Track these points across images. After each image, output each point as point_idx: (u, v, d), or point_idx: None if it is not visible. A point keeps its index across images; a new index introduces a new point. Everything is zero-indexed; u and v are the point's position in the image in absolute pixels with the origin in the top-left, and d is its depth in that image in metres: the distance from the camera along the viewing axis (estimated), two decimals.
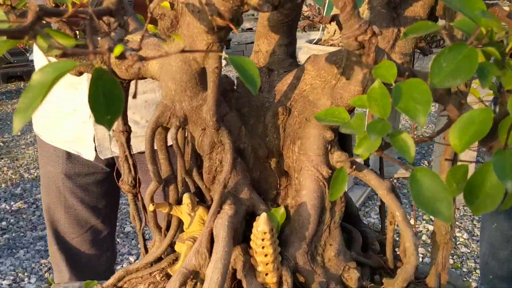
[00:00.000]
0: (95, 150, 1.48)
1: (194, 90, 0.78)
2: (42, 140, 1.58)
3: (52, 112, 1.51)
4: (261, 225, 0.77)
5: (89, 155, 1.49)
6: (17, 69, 6.96)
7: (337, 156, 0.84)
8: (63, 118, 1.49)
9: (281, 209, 0.86)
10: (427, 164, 4.20)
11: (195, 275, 0.87)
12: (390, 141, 0.53)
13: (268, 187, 0.90)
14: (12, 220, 3.47)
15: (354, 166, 0.84)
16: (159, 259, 0.94)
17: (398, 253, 0.95)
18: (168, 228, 0.94)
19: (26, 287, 2.73)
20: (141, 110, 1.44)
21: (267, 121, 0.87)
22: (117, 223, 1.86)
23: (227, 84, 0.86)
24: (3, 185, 4.00)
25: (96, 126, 1.45)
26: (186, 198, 0.86)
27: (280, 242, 0.85)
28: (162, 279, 0.89)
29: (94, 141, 1.47)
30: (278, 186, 0.90)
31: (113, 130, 0.97)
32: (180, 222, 0.94)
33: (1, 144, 4.89)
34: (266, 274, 0.80)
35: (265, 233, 0.77)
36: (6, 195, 3.84)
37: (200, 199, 0.90)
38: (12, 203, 3.71)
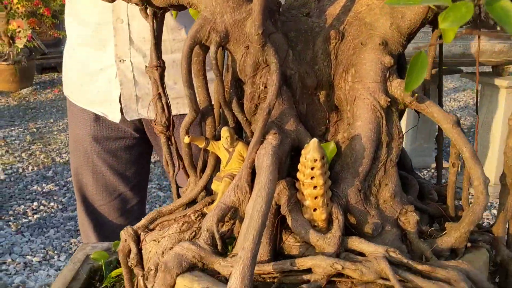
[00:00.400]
0: (121, 112, 1.43)
1: (238, 1, 0.70)
2: (71, 102, 1.54)
3: (80, 71, 1.46)
4: (310, 151, 0.68)
5: (115, 117, 1.44)
6: (51, 60, 7.04)
7: (396, 84, 0.75)
8: (91, 77, 1.44)
9: (331, 144, 0.77)
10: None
11: (234, 213, 0.79)
12: (488, 9, 0.44)
13: (316, 123, 0.81)
14: (43, 201, 3.47)
15: (415, 95, 0.74)
16: (194, 202, 0.86)
17: (460, 203, 0.86)
18: (204, 168, 0.87)
19: (56, 264, 2.70)
20: (169, 70, 1.37)
21: (316, 47, 0.79)
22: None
23: (273, 3, 0.77)
24: (35, 168, 4.02)
25: (122, 85, 1.39)
26: (225, 131, 0.78)
27: (330, 178, 0.76)
28: (198, 219, 0.81)
29: (120, 102, 1.41)
30: (327, 122, 0.81)
31: (146, 66, 0.90)
32: (218, 162, 0.86)
33: (34, 130, 4.93)
34: (314, 210, 0.72)
35: (315, 160, 0.68)
36: (38, 178, 3.85)
37: (239, 135, 0.82)
38: (44, 185, 3.72)
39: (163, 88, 0.89)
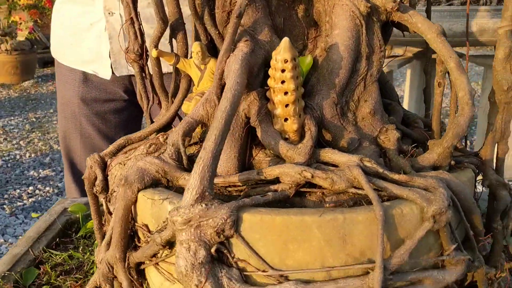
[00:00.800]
0: (112, 69, 1.40)
1: None
2: (59, 63, 1.51)
3: (69, 30, 1.43)
4: (281, 51, 0.64)
5: (106, 74, 1.41)
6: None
7: None
8: (80, 35, 1.41)
9: (308, 58, 0.73)
10: (470, 144, 3.97)
11: (204, 134, 0.75)
12: None
13: (294, 40, 0.76)
14: (39, 186, 3.44)
15: (397, 1, 0.69)
16: (166, 129, 0.82)
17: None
18: (176, 92, 0.82)
19: None
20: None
21: None
22: None
23: None
24: (33, 155, 3.99)
25: (111, 39, 1.36)
26: (196, 46, 0.73)
27: (305, 93, 0.71)
28: (166, 141, 0.76)
29: (110, 57, 1.38)
30: (306, 38, 0.76)
31: None
32: (190, 85, 0.81)
33: (34, 120, 4.91)
34: (286, 120, 0.67)
35: (285, 61, 0.63)
36: (35, 164, 3.82)
37: (213, 54, 0.78)
38: (40, 170, 3.69)
39: (136, 13, 0.84)
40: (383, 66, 0.77)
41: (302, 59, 0.73)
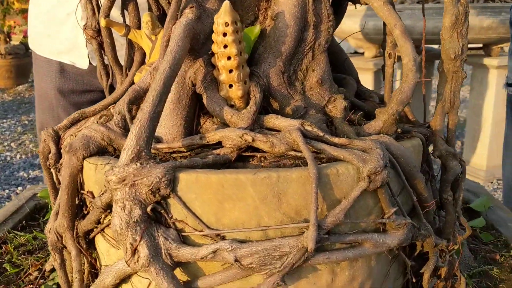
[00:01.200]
0: (89, 58, 1.40)
1: None
2: (36, 55, 1.51)
3: (47, 21, 1.43)
4: (221, 14, 0.64)
5: (83, 63, 1.41)
6: None
7: None
8: (57, 25, 1.42)
9: (256, 27, 0.73)
10: (460, 145, 3.97)
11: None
12: None
13: (244, 11, 0.76)
14: (28, 186, 3.43)
15: None
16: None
17: None
18: (130, 66, 0.83)
19: None
20: None
21: None
22: None
23: None
24: (23, 156, 3.99)
25: None
26: (146, 16, 0.74)
27: (252, 62, 0.72)
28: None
29: (87, 47, 1.39)
30: (257, 9, 0.77)
31: None
32: (144, 58, 0.82)
33: (26, 122, 4.92)
34: (230, 86, 0.67)
35: (226, 24, 0.64)
36: (25, 165, 3.82)
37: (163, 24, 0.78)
38: (30, 171, 3.69)
39: None
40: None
41: (250, 29, 0.73)
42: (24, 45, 6.28)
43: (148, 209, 0.57)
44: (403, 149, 0.65)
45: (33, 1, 1.48)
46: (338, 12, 0.85)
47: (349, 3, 0.85)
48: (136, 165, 0.57)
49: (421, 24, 2.65)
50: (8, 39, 6.00)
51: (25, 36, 6.09)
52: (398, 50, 0.71)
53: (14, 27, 5.87)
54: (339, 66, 0.90)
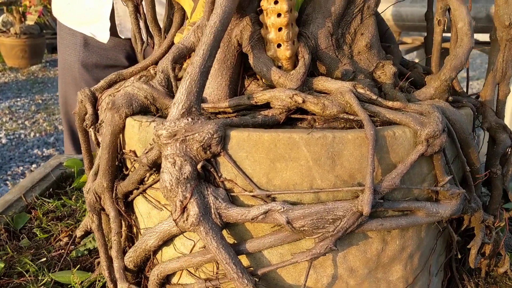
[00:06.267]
0: (111, 33, 1.37)
1: None
2: (61, 25, 1.48)
3: None
4: None
5: (104, 37, 1.38)
6: None
7: None
8: None
9: None
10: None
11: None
12: None
13: None
14: (42, 164, 3.43)
15: None
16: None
17: None
18: (169, 28, 0.80)
19: None
20: None
21: None
22: None
23: None
24: (37, 135, 4.00)
25: (116, 1, 1.34)
26: None
27: (300, 22, 0.69)
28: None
29: (112, 20, 1.36)
30: None
31: None
32: (184, 19, 0.80)
33: (40, 101, 4.92)
34: (279, 46, 0.65)
35: None
36: (39, 143, 3.82)
37: None
38: (44, 149, 3.69)
39: None
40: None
41: None
42: (39, 25, 6.28)
43: (199, 166, 0.55)
44: (459, 115, 0.62)
45: None
46: None
47: None
48: (188, 119, 0.55)
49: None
50: (23, 19, 5.99)
51: (40, 16, 6.09)
52: (452, 14, 0.68)
53: (30, 7, 5.86)
54: (381, 36, 0.88)
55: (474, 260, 0.72)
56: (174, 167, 0.54)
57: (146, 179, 0.64)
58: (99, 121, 0.74)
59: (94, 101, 0.78)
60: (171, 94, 0.67)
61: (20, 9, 5.96)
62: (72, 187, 1.11)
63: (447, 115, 0.61)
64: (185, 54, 0.68)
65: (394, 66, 0.70)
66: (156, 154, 0.59)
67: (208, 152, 0.55)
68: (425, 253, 0.66)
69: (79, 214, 0.98)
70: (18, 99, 4.96)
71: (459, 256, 0.73)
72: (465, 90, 0.81)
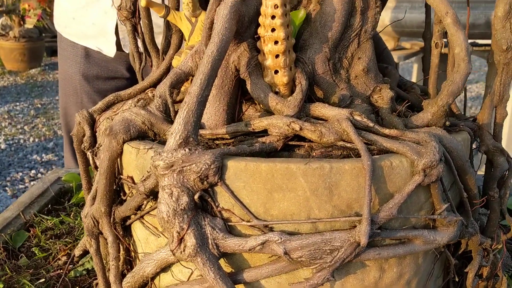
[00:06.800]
0: (116, 46, 1.37)
1: None
2: (62, 37, 1.48)
3: (74, 3, 1.40)
4: None
5: (110, 51, 1.38)
6: None
7: None
8: (85, 8, 1.38)
9: (301, 11, 0.71)
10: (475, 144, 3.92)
11: None
12: None
13: None
14: (41, 170, 3.44)
15: None
16: (157, 85, 0.80)
17: None
18: (167, 49, 0.81)
19: None
20: None
21: None
22: None
23: None
24: (36, 140, 4.00)
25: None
26: None
27: (297, 48, 0.69)
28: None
29: (116, 34, 1.36)
30: None
31: None
32: (181, 41, 0.80)
33: (39, 106, 4.92)
34: (276, 72, 0.65)
35: (275, 6, 0.61)
36: (38, 148, 3.83)
37: (204, 7, 0.76)
38: (43, 155, 3.69)
39: None
40: None
41: (295, 13, 0.71)
42: (38, 28, 6.28)
43: (196, 196, 0.55)
44: (456, 143, 0.62)
45: None
46: None
47: None
48: (185, 150, 0.55)
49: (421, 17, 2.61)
50: (22, 22, 6.00)
51: (39, 20, 6.09)
52: (449, 39, 0.68)
53: (29, 10, 5.86)
54: (378, 56, 0.88)
55: (472, 283, 0.72)
56: (171, 198, 0.55)
57: (143, 206, 0.64)
58: (97, 145, 0.74)
59: (92, 123, 0.78)
60: (168, 119, 0.67)
61: (19, 12, 5.97)
62: (70, 202, 1.11)
63: (444, 143, 0.61)
64: (183, 79, 0.68)
65: (391, 90, 0.70)
66: (153, 183, 0.59)
67: (205, 182, 0.55)
68: (423, 278, 0.66)
69: (78, 231, 0.98)
70: (17, 103, 4.96)
71: (457, 279, 0.73)
72: (463, 103, 0.81)
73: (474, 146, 0.75)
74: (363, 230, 0.54)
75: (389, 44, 3.08)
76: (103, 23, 1.35)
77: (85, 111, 0.78)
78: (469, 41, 0.72)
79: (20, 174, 3.37)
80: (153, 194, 0.61)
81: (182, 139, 0.56)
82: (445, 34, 0.71)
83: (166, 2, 0.76)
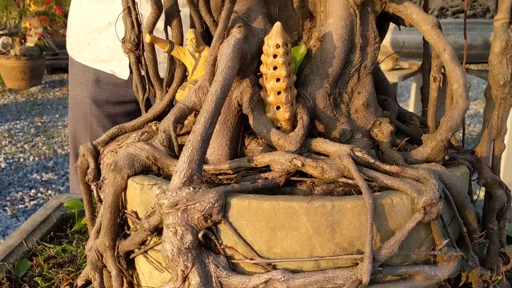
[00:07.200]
0: (130, 69, 1.38)
1: None
2: (74, 61, 1.49)
3: (88, 28, 1.42)
4: (273, 36, 0.63)
5: (124, 74, 1.39)
6: (61, 61, 7.07)
7: None
8: (98, 33, 1.40)
9: (302, 47, 0.72)
10: None
11: None
12: None
13: (288, 30, 0.76)
14: (41, 189, 3.44)
15: None
16: (160, 119, 0.81)
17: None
18: (171, 82, 0.82)
19: None
20: None
21: None
22: None
23: None
24: (36, 158, 4.00)
25: None
26: (190, 33, 0.73)
27: (298, 83, 0.71)
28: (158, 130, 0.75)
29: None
30: (301, 29, 0.76)
31: None
32: (185, 75, 0.81)
33: (39, 124, 4.93)
34: (278, 108, 0.66)
35: (277, 46, 0.63)
36: (38, 167, 3.83)
37: (207, 42, 0.77)
38: (43, 174, 3.69)
39: (134, 2, 0.85)
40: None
41: (296, 49, 0.72)
42: (39, 47, 6.32)
43: (200, 235, 0.56)
44: (455, 179, 0.63)
45: (74, 7, 1.46)
46: (380, 33, 0.84)
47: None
48: (189, 189, 0.56)
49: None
50: (23, 41, 6.04)
51: (40, 38, 6.14)
52: (447, 75, 0.69)
53: (30, 29, 5.91)
54: (377, 87, 0.89)
55: None
56: (176, 237, 0.55)
57: (147, 241, 0.65)
58: (101, 178, 0.75)
59: (96, 155, 0.79)
60: (172, 153, 0.68)
61: (22, 34, 6.01)
62: (73, 230, 1.12)
63: (444, 179, 0.62)
64: (186, 114, 0.70)
65: (391, 124, 0.71)
66: (158, 220, 0.60)
67: (209, 220, 0.56)
68: None
69: (80, 260, 0.99)
70: (18, 122, 4.98)
71: None
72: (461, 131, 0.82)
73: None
74: (365, 268, 0.55)
75: (388, 64, 3.10)
76: (117, 47, 1.36)
77: (89, 143, 0.79)
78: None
79: (20, 193, 3.37)
80: (157, 230, 0.62)
81: (187, 177, 0.57)
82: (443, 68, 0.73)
83: (170, 38, 0.77)
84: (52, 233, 1.09)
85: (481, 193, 0.80)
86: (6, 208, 3.14)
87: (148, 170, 0.68)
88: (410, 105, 3.92)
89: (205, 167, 0.65)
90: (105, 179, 0.75)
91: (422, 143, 0.72)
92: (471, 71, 3.22)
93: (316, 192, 0.61)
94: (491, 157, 0.75)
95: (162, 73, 0.83)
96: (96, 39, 1.40)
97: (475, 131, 4.80)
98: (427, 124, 0.78)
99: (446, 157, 0.69)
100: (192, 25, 0.77)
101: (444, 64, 0.68)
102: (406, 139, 0.71)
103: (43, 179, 3.61)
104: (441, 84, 0.76)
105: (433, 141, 0.68)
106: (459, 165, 0.70)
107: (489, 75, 0.72)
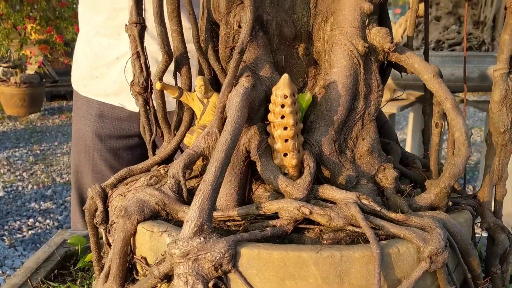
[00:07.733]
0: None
1: None
2: (78, 95, 1.50)
3: (95, 63, 1.43)
4: (281, 86, 0.65)
5: (133, 106, 1.41)
6: (61, 88, 7.13)
7: (375, 31, 0.72)
8: (106, 68, 1.42)
9: (307, 95, 0.74)
10: (472, 189, 3.95)
11: (204, 168, 0.76)
12: None
13: (294, 77, 0.78)
14: (39, 218, 3.43)
15: (395, 42, 0.71)
16: (168, 162, 0.83)
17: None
18: (179, 125, 0.84)
19: None
20: None
21: None
22: None
23: None
24: (35, 187, 4.00)
25: None
26: (199, 80, 0.75)
27: (304, 129, 0.73)
28: (167, 173, 0.77)
29: None
30: (306, 76, 0.78)
31: (126, 24, 0.88)
32: (193, 118, 0.83)
33: (38, 152, 4.94)
34: (285, 155, 0.68)
35: (285, 96, 0.65)
36: (36, 196, 3.82)
37: (215, 88, 0.80)
38: (41, 203, 3.69)
39: (142, 47, 0.87)
40: (383, 106, 0.79)
41: (301, 96, 0.74)
42: (39, 74, 6.38)
43: (210, 284, 0.57)
44: (459, 227, 0.65)
45: (80, 42, 1.48)
46: (383, 80, 0.87)
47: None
48: (200, 239, 0.57)
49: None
50: (24, 67, 6.09)
51: (40, 66, 6.19)
52: (449, 123, 0.71)
53: (30, 57, 5.96)
54: (380, 129, 0.91)
55: None
56: (187, 286, 0.56)
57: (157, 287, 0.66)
58: (109, 222, 0.76)
59: (105, 198, 0.80)
60: (181, 199, 0.69)
61: (25, 67, 6.06)
62: (76, 267, 1.12)
63: (448, 227, 0.63)
64: (195, 160, 0.71)
65: (395, 170, 0.73)
66: (168, 267, 0.61)
67: (219, 270, 0.57)
68: None
69: None
70: (16, 149, 4.98)
71: None
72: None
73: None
74: None
75: (386, 95, 3.15)
76: (123, 80, 1.38)
77: (98, 186, 0.80)
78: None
79: (18, 222, 3.35)
80: (166, 278, 0.63)
81: (197, 227, 0.58)
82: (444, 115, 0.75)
83: (179, 84, 0.79)
84: (56, 271, 1.09)
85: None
86: (4, 238, 3.12)
87: (157, 215, 0.69)
88: (408, 133, 3.95)
89: (214, 213, 0.67)
90: (114, 222, 0.76)
91: (425, 188, 0.74)
92: (469, 102, 3.26)
93: (325, 241, 0.62)
94: (493, 201, 0.77)
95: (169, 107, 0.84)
96: (105, 73, 1.41)
97: (473, 160, 4.83)
98: (430, 168, 0.79)
99: (450, 203, 0.71)
100: (200, 72, 0.79)
101: (446, 112, 0.70)
102: (411, 185, 0.73)
103: (41, 208, 3.60)
104: (442, 130, 0.78)
105: (436, 187, 0.69)
106: (462, 210, 0.72)
107: (490, 122, 0.74)
